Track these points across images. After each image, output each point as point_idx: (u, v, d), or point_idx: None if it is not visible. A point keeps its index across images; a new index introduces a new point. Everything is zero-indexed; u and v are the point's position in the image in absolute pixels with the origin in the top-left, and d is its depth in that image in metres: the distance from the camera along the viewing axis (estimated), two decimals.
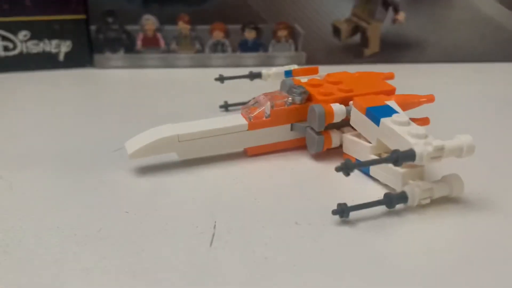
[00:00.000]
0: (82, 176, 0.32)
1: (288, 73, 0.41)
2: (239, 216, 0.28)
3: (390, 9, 0.58)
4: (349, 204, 0.27)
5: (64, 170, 0.33)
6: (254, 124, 0.34)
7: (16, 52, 0.56)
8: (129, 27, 0.56)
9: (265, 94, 0.35)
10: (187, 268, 0.24)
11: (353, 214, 0.27)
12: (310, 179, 0.32)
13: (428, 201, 0.28)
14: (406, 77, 0.49)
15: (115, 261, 0.24)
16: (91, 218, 0.28)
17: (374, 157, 0.31)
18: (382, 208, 0.28)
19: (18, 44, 0.55)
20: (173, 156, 0.33)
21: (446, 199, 0.29)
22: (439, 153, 0.27)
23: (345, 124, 0.34)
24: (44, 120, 0.43)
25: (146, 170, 0.33)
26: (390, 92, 0.36)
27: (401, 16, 0.58)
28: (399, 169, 0.29)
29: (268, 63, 0.58)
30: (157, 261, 0.24)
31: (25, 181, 0.32)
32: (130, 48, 0.57)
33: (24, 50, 0.56)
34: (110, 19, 0.55)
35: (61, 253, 0.25)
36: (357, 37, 0.59)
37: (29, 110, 0.46)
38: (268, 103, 0.34)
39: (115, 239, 0.26)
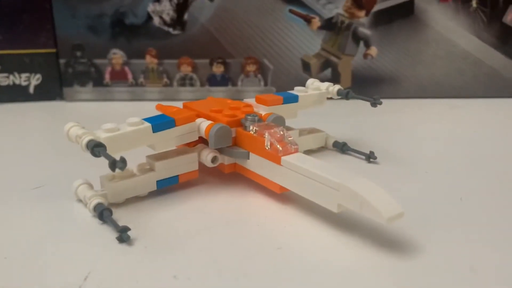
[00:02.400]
0: (49, 207, 0.31)
1: None
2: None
3: (361, 44, 0.57)
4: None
5: (32, 201, 0.32)
6: None
7: None
8: (97, 61, 0.57)
9: None
10: None
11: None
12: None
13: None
14: (380, 113, 0.47)
15: None
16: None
17: None
18: None
19: None
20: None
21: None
22: None
23: None
24: (15, 151, 0.43)
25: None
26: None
27: (373, 50, 0.57)
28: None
29: (238, 98, 0.57)
30: None
31: None
32: (98, 81, 0.57)
33: None
34: (78, 53, 0.56)
35: None
36: (328, 72, 0.58)
37: None
38: None
39: None
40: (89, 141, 0.27)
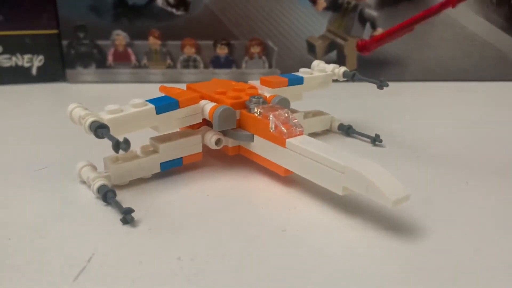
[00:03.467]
0: (53, 189, 0.31)
1: None
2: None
3: (368, 25, 0.56)
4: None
5: (35, 183, 0.32)
6: None
7: None
8: (100, 42, 0.56)
9: None
10: None
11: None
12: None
13: None
14: (387, 95, 0.47)
15: None
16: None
17: None
18: None
19: None
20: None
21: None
22: None
23: None
24: (17, 133, 0.43)
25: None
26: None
27: (379, 32, 0.56)
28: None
29: (242, 80, 0.57)
30: None
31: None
32: (101, 63, 0.57)
33: None
34: (81, 34, 0.56)
35: None
36: (333, 54, 0.57)
37: (1, 124, 0.46)
38: None
39: None
40: (93, 122, 0.27)
